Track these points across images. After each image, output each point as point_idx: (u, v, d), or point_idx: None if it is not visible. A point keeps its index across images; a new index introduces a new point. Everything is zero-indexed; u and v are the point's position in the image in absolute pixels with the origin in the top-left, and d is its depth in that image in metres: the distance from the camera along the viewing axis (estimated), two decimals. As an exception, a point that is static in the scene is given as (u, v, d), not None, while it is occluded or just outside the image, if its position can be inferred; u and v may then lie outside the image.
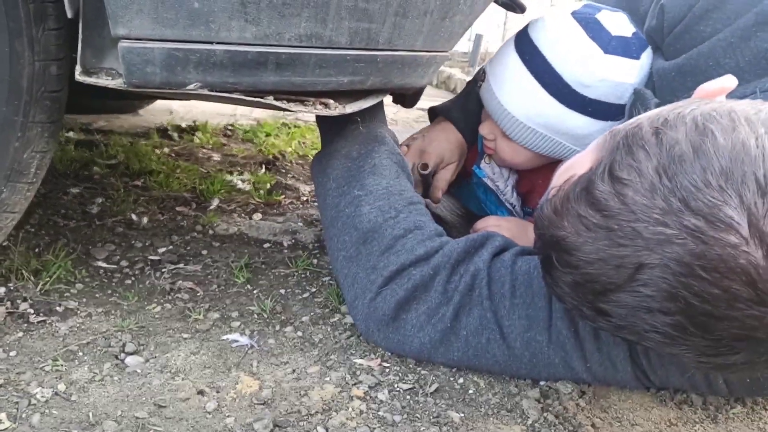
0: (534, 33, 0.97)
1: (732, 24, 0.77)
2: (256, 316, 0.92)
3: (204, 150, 2.02)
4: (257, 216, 1.38)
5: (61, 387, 0.70)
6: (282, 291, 1.01)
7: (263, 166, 1.84)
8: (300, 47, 0.70)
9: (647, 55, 0.94)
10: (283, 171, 1.85)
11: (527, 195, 1.13)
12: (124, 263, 1.07)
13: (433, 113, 1.18)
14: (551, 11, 0.98)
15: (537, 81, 0.93)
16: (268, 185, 1.62)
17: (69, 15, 0.64)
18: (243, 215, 1.39)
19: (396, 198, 0.84)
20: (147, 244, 1.16)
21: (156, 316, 0.89)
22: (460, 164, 1.15)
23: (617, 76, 0.91)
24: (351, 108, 0.80)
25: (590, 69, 0.90)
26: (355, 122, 0.90)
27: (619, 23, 0.94)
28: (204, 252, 1.15)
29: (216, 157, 1.94)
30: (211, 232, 1.26)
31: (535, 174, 1.10)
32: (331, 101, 0.79)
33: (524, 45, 0.97)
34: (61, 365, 0.74)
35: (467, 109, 1.13)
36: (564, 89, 0.91)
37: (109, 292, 0.96)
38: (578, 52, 0.91)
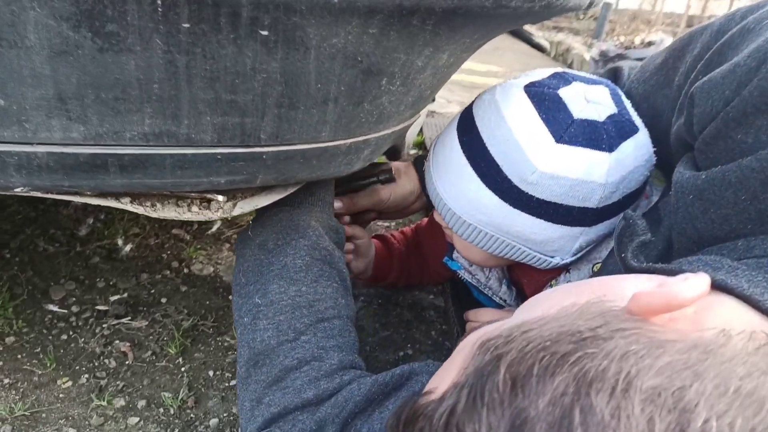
0: (477, 109, 0.72)
1: None
2: (161, 410, 0.81)
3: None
4: (245, 251, 1.28)
5: None
6: (210, 373, 0.89)
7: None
8: (148, 147, 0.56)
9: (633, 146, 0.66)
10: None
11: (521, 283, 0.91)
12: (75, 308, 1.02)
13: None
14: (509, 81, 0.72)
15: (474, 171, 0.69)
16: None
17: None
18: (232, 249, 1.29)
19: (302, 312, 0.68)
20: (111, 283, 1.10)
21: (60, 396, 0.82)
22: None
23: (573, 172, 0.64)
24: (242, 208, 0.64)
25: (534, 162, 0.65)
26: (279, 204, 0.74)
27: (590, 101, 0.67)
28: (163, 300, 1.07)
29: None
30: (185, 270, 1.18)
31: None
32: (219, 197, 0.64)
33: (465, 124, 0.73)
34: None
35: None
36: (504, 184, 0.67)
37: (35, 352, 0.90)
38: (522, 138, 0.65)
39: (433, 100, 2.72)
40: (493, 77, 4.09)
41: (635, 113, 0.70)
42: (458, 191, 0.71)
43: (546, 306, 0.43)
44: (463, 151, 0.70)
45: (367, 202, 0.90)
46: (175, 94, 0.53)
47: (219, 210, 0.63)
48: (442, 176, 0.74)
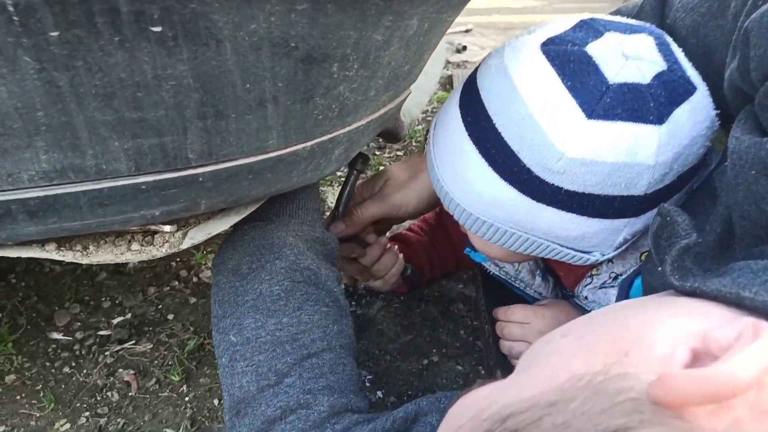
0: (482, 80, 0.56)
1: None
2: (161, 451, 0.74)
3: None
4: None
5: None
6: (216, 401, 0.82)
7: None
8: (53, 186, 0.46)
9: (688, 113, 0.49)
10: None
11: (559, 272, 0.77)
12: (79, 335, 0.96)
13: None
14: (520, 38, 0.55)
15: (484, 159, 0.54)
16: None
17: None
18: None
19: (284, 350, 0.57)
20: (116, 302, 1.04)
21: (56, 442, 0.77)
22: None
23: (612, 155, 0.49)
24: (193, 238, 0.54)
25: (560, 146, 0.49)
26: (249, 221, 0.63)
27: (629, 58, 0.50)
28: (170, 316, 1.00)
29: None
30: (194, 279, 1.10)
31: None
32: (165, 228, 0.53)
33: (469, 99, 0.57)
34: None
35: None
36: (523, 175, 0.52)
37: (36, 390, 0.85)
38: (542, 116, 0.50)
39: (465, 59, 2.45)
40: (531, 13, 3.74)
41: (690, 65, 0.54)
42: (465, 183, 0.57)
43: (549, 369, 0.31)
44: (468, 134, 0.56)
45: (377, 212, 0.77)
46: (66, 120, 0.42)
47: (165, 244, 0.52)
48: (445, 164, 0.61)
